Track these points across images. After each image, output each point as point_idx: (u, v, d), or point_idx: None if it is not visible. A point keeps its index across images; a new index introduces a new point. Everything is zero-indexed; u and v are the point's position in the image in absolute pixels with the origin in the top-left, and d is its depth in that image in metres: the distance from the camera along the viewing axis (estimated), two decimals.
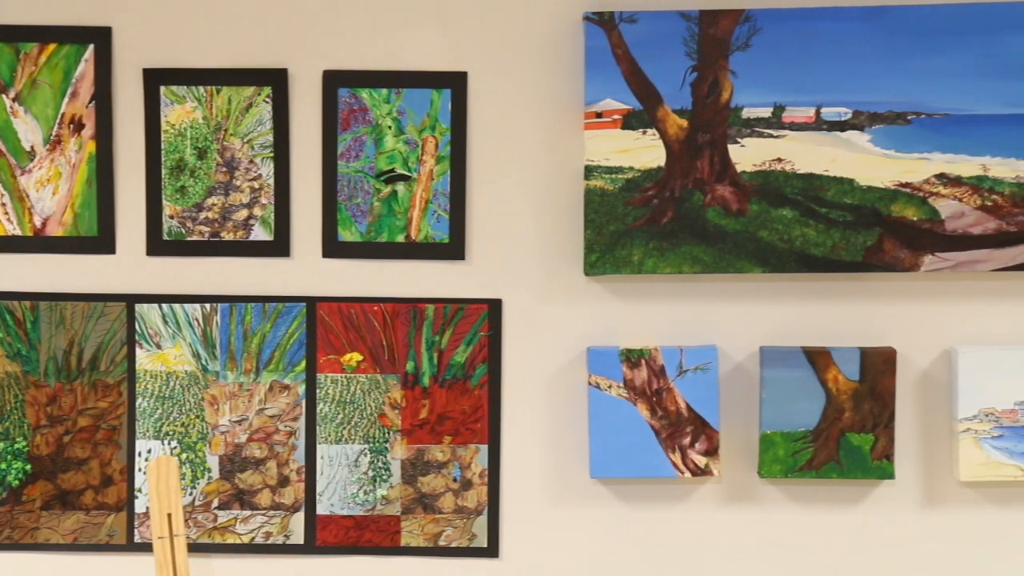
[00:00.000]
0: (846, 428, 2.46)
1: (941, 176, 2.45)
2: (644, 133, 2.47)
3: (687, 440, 2.48)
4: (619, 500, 2.55)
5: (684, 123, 2.46)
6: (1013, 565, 2.51)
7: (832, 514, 2.53)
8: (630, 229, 2.47)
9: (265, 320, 2.56)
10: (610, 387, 2.49)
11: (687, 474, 2.49)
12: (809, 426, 2.46)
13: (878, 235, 2.45)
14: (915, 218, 2.45)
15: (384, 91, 2.52)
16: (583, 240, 2.48)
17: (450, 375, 2.54)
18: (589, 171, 2.47)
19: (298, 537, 2.58)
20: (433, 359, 2.54)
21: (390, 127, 2.53)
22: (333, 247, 2.55)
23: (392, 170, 2.54)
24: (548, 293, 2.53)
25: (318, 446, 2.56)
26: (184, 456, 2.58)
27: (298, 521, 2.58)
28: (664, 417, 2.48)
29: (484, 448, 2.55)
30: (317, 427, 2.56)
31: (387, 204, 2.54)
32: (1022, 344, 2.47)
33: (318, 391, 2.56)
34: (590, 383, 2.49)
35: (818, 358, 2.46)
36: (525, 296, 2.53)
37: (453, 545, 2.57)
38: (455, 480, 2.56)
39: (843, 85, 2.44)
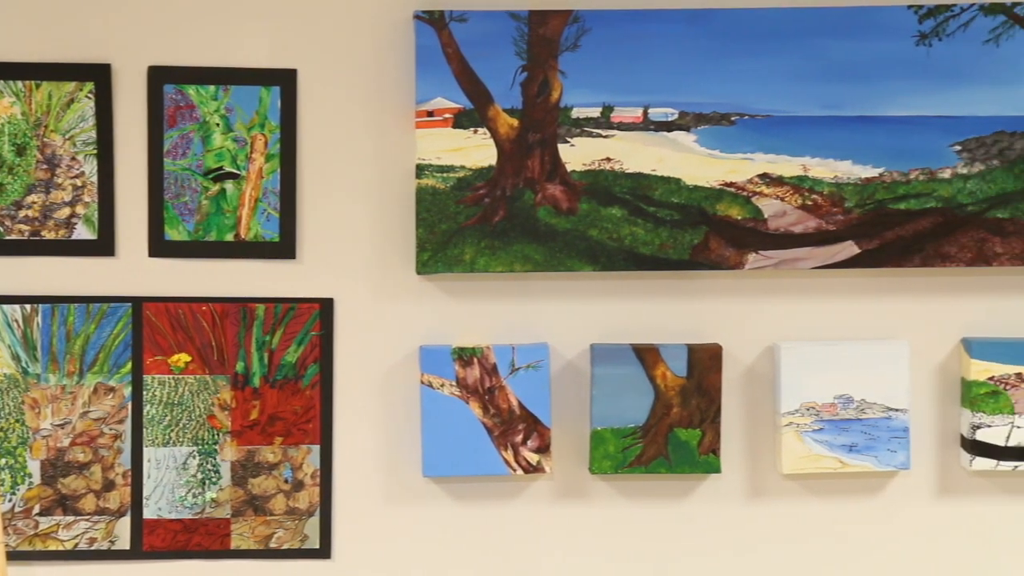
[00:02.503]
0: (674, 424, 2.50)
1: (764, 176, 2.51)
2: (475, 132, 2.48)
3: (519, 438, 2.50)
4: (452, 498, 2.56)
5: (515, 122, 2.48)
6: (830, 555, 2.59)
7: (661, 508, 2.57)
8: (462, 228, 2.48)
9: (89, 321, 2.50)
10: (442, 386, 2.49)
11: (519, 471, 2.50)
12: (638, 422, 2.50)
13: (704, 234, 2.50)
14: (739, 217, 2.51)
15: (212, 88, 2.49)
16: (415, 239, 2.48)
17: (281, 375, 2.52)
18: (421, 170, 2.47)
19: (124, 542, 2.53)
20: (264, 359, 2.52)
21: (218, 124, 2.50)
22: (160, 246, 2.50)
23: (220, 168, 2.50)
24: (380, 292, 2.52)
25: (145, 449, 2.51)
26: (3, 462, 2.50)
27: (124, 526, 2.53)
28: (496, 415, 2.49)
29: (316, 448, 2.53)
30: (144, 430, 2.51)
31: (215, 202, 2.50)
32: (841, 340, 2.55)
33: (145, 393, 2.51)
34: (422, 382, 2.49)
35: (647, 355, 2.50)
36: (357, 295, 2.52)
37: (285, 547, 2.54)
38: (286, 481, 2.53)
39: (669, 86, 2.49)
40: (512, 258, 2.49)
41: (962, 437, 2.56)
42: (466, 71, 2.47)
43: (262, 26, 2.48)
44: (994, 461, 2.52)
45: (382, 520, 2.55)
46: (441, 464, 2.49)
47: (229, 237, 2.50)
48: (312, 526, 2.54)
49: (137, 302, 2.50)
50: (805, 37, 2.49)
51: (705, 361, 2.50)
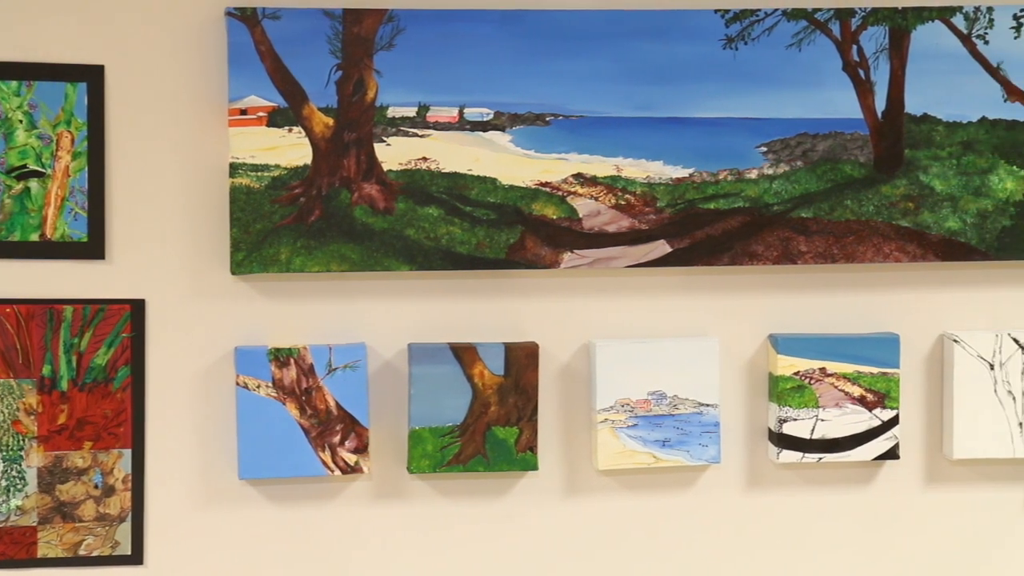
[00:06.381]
0: (492, 422, 2.52)
1: (578, 176, 2.54)
2: (290, 131, 2.45)
3: (337, 438, 2.48)
4: (269, 501, 2.52)
5: (330, 121, 2.46)
6: (645, 548, 2.63)
7: (479, 506, 2.58)
8: (277, 227, 2.46)
9: None
10: (258, 387, 2.46)
11: (337, 472, 2.49)
12: (456, 421, 2.51)
13: (520, 233, 2.52)
14: (554, 216, 2.53)
15: (14, 83, 2.41)
16: (229, 238, 2.45)
17: (90, 378, 2.45)
18: (234, 169, 2.44)
19: None
20: (72, 362, 2.45)
21: (21, 121, 2.42)
22: None
23: (24, 166, 2.43)
24: (194, 293, 2.48)
25: None
26: None
27: None
28: (314, 416, 2.47)
29: (127, 453, 2.48)
30: None
31: (19, 201, 2.43)
32: (654, 337, 2.59)
33: None
34: (238, 383, 2.45)
35: (464, 354, 2.50)
36: (170, 296, 2.47)
37: (95, 554, 2.48)
38: (96, 487, 2.47)
39: (485, 86, 2.50)
40: (328, 258, 2.47)
41: (770, 431, 2.63)
42: (280, 69, 2.44)
43: (67, 20, 2.42)
44: (800, 453, 2.60)
45: (197, 524, 2.51)
46: (257, 466, 2.46)
47: (34, 237, 2.43)
48: (123, 532, 2.49)
49: None
50: (617, 39, 2.52)
51: (522, 359, 2.52)
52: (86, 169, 2.44)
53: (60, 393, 2.45)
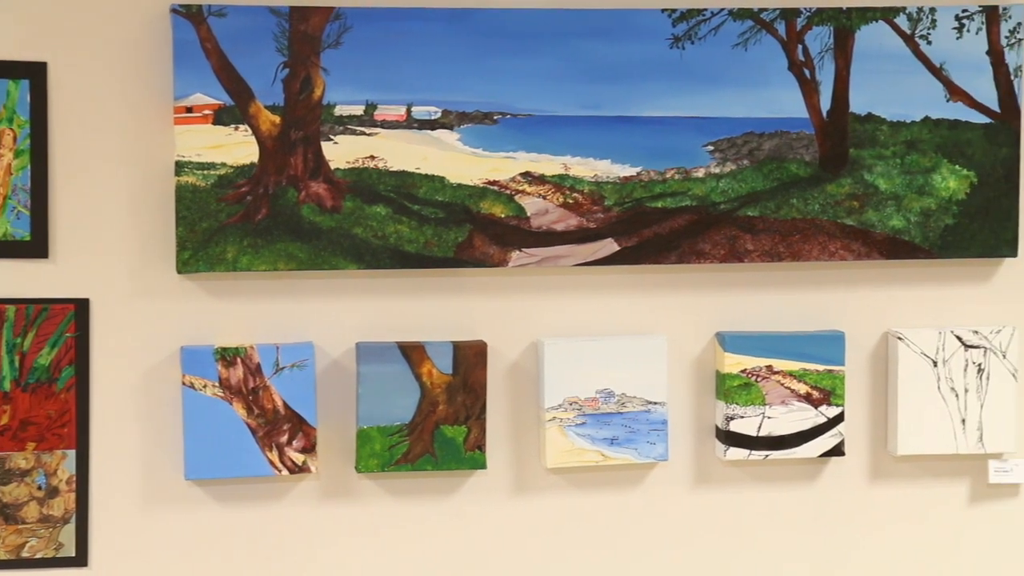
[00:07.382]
0: (440, 421, 2.51)
1: (526, 174, 2.54)
2: (236, 129, 2.44)
3: (284, 438, 2.47)
4: (215, 501, 2.51)
5: (277, 119, 2.45)
6: (593, 545, 2.63)
7: (428, 505, 2.57)
8: (223, 226, 2.44)
9: None
10: (205, 387, 2.44)
11: (285, 472, 2.47)
12: (405, 420, 2.50)
13: (468, 231, 2.52)
14: (503, 215, 2.53)
15: None
16: (175, 237, 2.43)
17: (34, 379, 2.43)
18: (180, 167, 2.42)
19: None
20: (15, 362, 2.42)
21: None
22: None
23: None
24: (139, 292, 2.46)
25: None
26: None
27: None
28: (261, 415, 2.46)
29: (72, 453, 2.45)
30: None
31: None
32: (602, 335, 2.60)
33: None
34: (184, 383, 2.43)
35: (412, 353, 2.50)
36: (115, 295, 2.45)
37: (38, 556, 2.45)
38: (40, 488, 2.44)
39: (433, 84, 2.50)
40: (275, 257, 2.46)
41: (717, 428, 2.64)
42: (226, 67, 2.43)
43: (9, 16, 2.40)
44: (747, 451, 2.61)
45: (142, 526, 2.49)
46: (204, 466, 2.44)
47: None
48: (67, 534, 2.46)
49: None
50: (564, 38, 2.53)
51: (470, 358, 2.51)
52: (29, 167, 2.41)
53: (3, 393, 2.42)
